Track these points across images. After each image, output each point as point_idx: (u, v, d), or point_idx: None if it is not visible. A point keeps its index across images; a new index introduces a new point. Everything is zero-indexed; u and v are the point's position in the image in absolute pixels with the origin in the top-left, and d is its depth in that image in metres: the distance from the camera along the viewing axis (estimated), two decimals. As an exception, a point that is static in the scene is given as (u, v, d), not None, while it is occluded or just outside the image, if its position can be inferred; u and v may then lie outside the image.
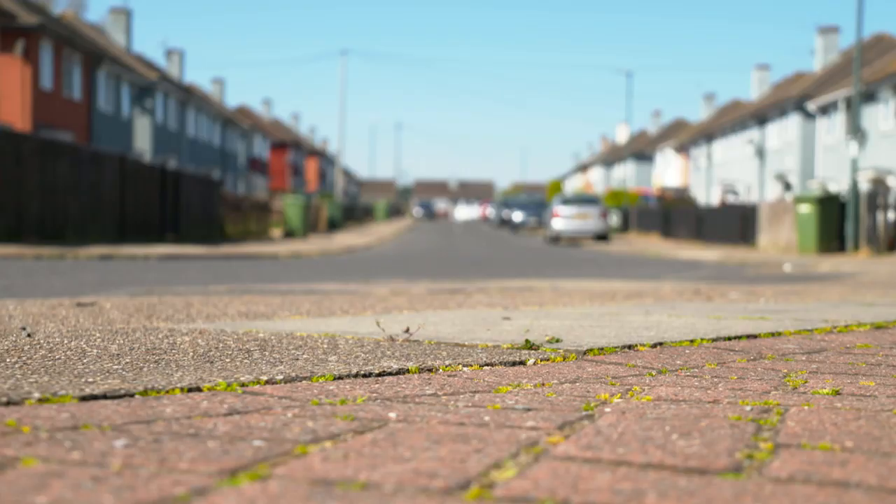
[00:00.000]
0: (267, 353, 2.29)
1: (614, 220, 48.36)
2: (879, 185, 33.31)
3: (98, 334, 2.60)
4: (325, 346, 2.46)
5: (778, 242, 25.26)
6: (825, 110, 40.33)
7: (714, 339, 2.77)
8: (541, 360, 2.30)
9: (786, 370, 2.26)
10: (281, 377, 1.93)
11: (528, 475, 1.19)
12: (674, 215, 38.75)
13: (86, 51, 35.68)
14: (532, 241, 34.91)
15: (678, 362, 2.35)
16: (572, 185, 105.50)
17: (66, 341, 2.43)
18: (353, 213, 58.75)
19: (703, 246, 29.53)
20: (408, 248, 24.63)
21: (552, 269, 12.50)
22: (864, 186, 32.66)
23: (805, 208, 21.84)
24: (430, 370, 2.12)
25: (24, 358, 2.12)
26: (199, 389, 1.78)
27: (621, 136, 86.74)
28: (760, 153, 47.71)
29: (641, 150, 78.31)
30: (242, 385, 1.85)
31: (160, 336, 2.60)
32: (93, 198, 18.27)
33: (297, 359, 2.21)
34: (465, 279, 8.67)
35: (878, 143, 35.04)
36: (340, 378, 1.98)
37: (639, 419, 1.58)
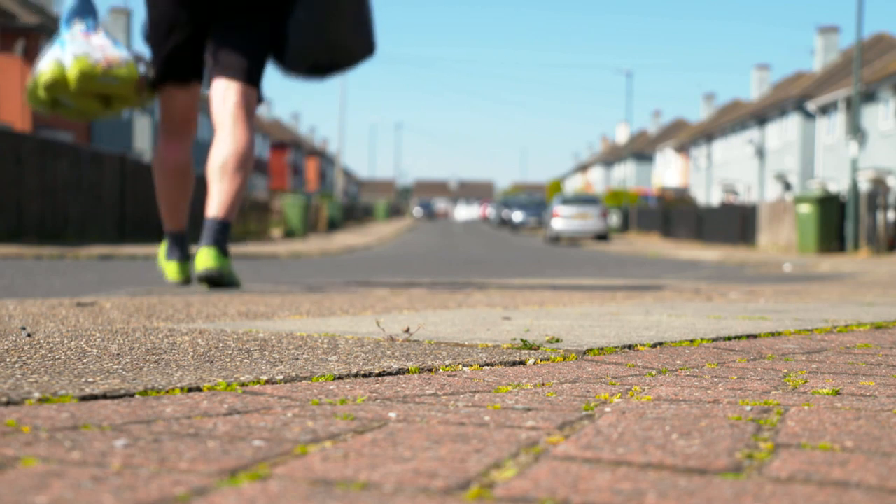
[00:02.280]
0: (267, 353, 2.29)
1: (614, 220, 48.37)
2: (879, 185, 33.31)
3: (98, 334, 2.60)
4: (325, 345, 2.46)
5: (778, 242, 25.26)
6: (825, 110, 40.33)
7: (714, 339, 2.77)
8: (541, 360, 2.30)
9: (786, 370, 2.26)
10: (281, 377, 1.93)
11: (528, 475, 1.19)
12: (674, 215, 38.76)
13: (86, 51, 35.71)
14: (532, 241, 34.91)
15: (678, 362, 2.35)
16: (572, 185, 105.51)
17: (66, 341, 2.43)
18: (353, 213, 58.74)
19: (703, 246, 29.53)
20: (408, 247, 24.63)
21: (552, 269, 12.50)
22: (864, 186, 32.67)
23: (805, 208, 21.84)
24: (430, 370, 2.12)
25: (23, 358, 2.12)
26: (199, 389, 1.78)
27: (621, 136, 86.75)
28: (760, 153, 47.71)
29: (641, 150, 78.35)
30: (242, 385, 1.85)
31: (160, 336, 2.60)
32: (93, 198, 18.27)
33: (297, 359, 2.21)
34: (465, 279, 8.68)
35: (877, 143, 35.04)
36: (340, 378, 1.98)
37: (639, 419, 1.58)
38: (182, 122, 5.02)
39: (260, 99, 4.88)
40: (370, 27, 4.74)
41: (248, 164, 4.79)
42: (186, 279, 5.18)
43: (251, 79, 4.76)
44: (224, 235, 4.78)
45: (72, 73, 4.54)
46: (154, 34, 4.82)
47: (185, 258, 5.19)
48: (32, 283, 6.80)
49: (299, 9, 4.61)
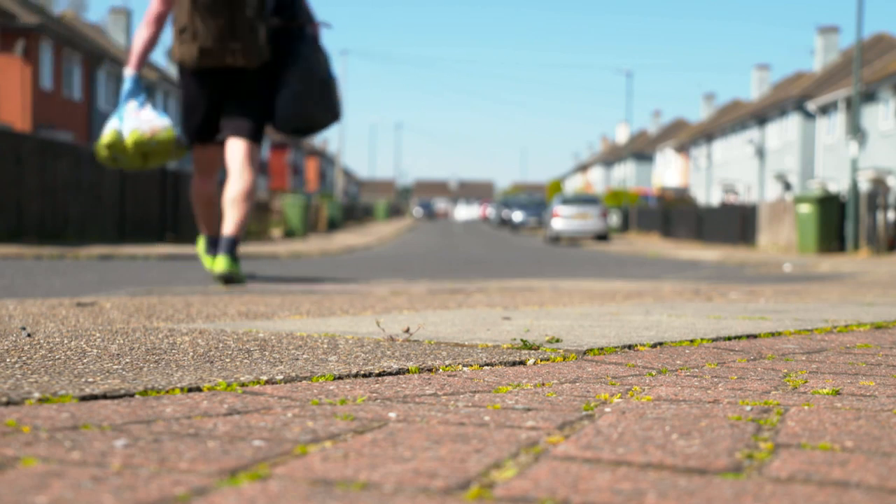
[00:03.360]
0: (267, 353, 2.29)
1: (614, 220, 48.34)
2: (879, 185, 33.31)
3: (98, 334, 2.60)
4: (325, 345, 2.46)
5: (778, 242, 25.27)
6: (825, 110, 40.32)
7: (714, 339, 2.78)
8: (541, 360, 2.30)
9: (786, 370, 2.26)
10: (281, 377, 1.93)
11: (528, 475, 1.19)
12: (674, 215, 38.75)
13: (86, 51, 35.69)
14: (532, 241, 34.90)
15: (678, 362, 2.35)
16: (572, 185, 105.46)
17: (66, 341, 2.43)
18: (353, 213, 58.67)
19: (703, 246, 29.52)
20: (408, 247, 24.64)
21: (552, 269, 12.50)
22: (864, 186, 32.66)
23: (805, 208, 21.83)
24: (430, 370, 2.12)
25: (23, 358, 2.12)
26: (199, 389, 1.78)
27: (621, 136, 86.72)
28: (760, 153, 47.70)
29: (641, 150, 78.34)
30: (242, 385, 1.85)
31: (160, 336, 2.60)
32: (93, 198, 18.27)
33: (297, 359, 2.21)
34: (465, 279, 8.68)
35: (877, 143, 35.04)
36: (340, 378, 1.98)
37: (639, 419, 1.58)
38: (208, 166, 6.93)
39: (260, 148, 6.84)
40: (336, 101, 6.73)
41: (252, 197, 6.65)
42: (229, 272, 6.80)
43: (254, 137, 6.66)
44: (234, 246, 6.54)
45: (129, 140, 6.51)
46: (185, 113, 6.79)
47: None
48: (32, 283, 6.79)
49: (283, 89, 6.59)
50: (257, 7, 6.53)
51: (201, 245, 7.15)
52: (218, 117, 6.71)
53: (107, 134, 6.56)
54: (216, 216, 6.91)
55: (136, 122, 6.54)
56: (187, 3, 6.45)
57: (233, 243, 6.53)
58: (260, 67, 6.62)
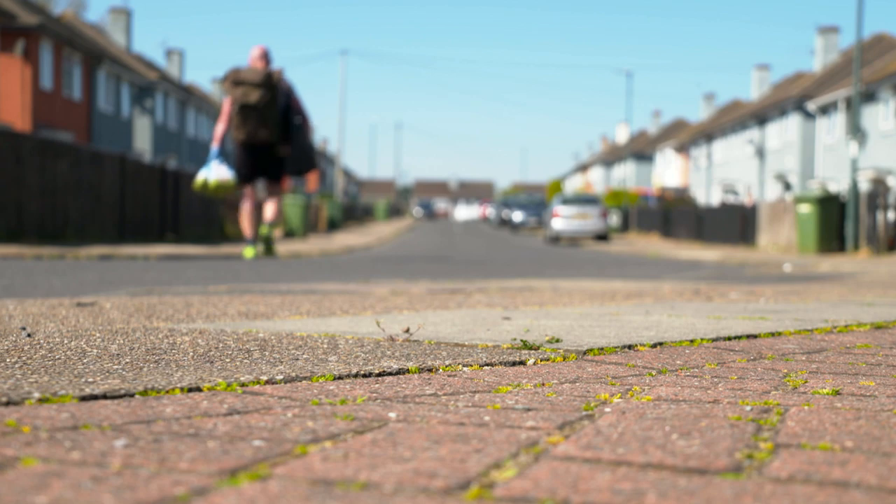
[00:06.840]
0: (267, 353, 2.29)
1: (614, 220, 48.32)
2: (879, 185, 33.30)
3: (98, 334, 2.60)
4: (325, 346, 2.46)
5: (778, 242, 25.27)
6: (825, 110, 40.31)
7: (714, 339, 2.78)
8: (541, 360, 2.30)
9: (786, 370, 2.26)
10: (281, 377, 1.93)
11: (528, 475, 1.19)
12: (674, 215, 38.75)
13: (86, 51, 35.68)
14: (532, 241, 34.88)
15: (678, 362, 2.35)
16: (572, 185, 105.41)
17: (66, 341, 2.43)
18: (353, 213, 58.64)
19: (703, 246, 29.52)
20: (408, 248, 24.63)
21: (552, 269, 12.50)
22: (864, 186, 32.66)
23: (805, 208, 21.82)
24: (430, 370, 2.12)
25: (24, 358, 2.12)
26: (199, 389, 1.78)
27: (621, 136, 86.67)
28: (760, 153, 47.69)
29: (641, 150, 78.30)
30: (242, 385, 1.85)
31: (160, 336, 2.60)
32: (93, 198, 18.26)
33: (297, 359, 2.21)
34: (465, 279, 8.67)
35: (878, 143, 35.03)
36: (340, 378, 1.98)
37: (639, 419, 1.58)
38: (251, 194, 12.18)
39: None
40: (313, 158, 12.44)
41: (281, 207, 12.32)
42: (256, 256, 12.10)
43: (278, 184, 12.10)
44: (272, 225, 12.12)
45: (212, 184, 11.64)
46: (238, 168, 11.93)
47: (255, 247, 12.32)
48: (32, 283, 6.79)
49: (287, 155, 12.12)
50: (275, 111, 11.82)
51: (248, 251, 12.20)
52: (257, 170, 12.01)
53: (200, 179, 11.75)
54: (255, 222, 12.14)
55: (216, 173, 11.65)
56: (238, 112, 11.67)
57: (271, 223, 12.05)
58: (277, 141, 11.90)
